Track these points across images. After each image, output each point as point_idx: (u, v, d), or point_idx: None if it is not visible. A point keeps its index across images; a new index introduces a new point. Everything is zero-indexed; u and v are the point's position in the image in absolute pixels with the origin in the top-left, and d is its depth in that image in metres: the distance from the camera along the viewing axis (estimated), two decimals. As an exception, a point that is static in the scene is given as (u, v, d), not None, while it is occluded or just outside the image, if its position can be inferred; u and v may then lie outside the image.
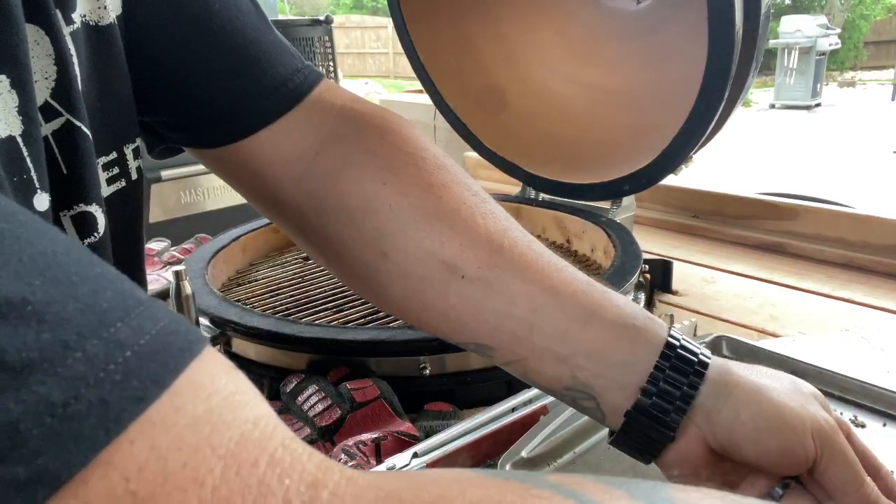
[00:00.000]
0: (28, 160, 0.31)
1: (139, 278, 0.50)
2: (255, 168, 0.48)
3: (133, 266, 0.48)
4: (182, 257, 0.97)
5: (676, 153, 0.84)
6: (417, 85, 1.25)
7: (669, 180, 0.91)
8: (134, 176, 0.45)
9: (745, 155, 6.10)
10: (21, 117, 0.31)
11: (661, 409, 0.38)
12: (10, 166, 0.30)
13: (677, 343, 0.40)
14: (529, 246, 0.43)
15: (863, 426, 0.50)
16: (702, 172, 0.98)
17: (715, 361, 0.40)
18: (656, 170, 0.88)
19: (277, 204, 0.50)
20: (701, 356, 0.39)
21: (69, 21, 0.38)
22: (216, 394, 0.20)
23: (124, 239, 0.45)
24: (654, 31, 1.00)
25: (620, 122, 1.02)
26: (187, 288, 0.65)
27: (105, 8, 0.41)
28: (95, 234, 0.40)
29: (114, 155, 0.43)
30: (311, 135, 0.48)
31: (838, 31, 9.80)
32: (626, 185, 0.92)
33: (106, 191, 0.42)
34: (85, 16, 0.40)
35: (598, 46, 1.07)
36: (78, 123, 0.37)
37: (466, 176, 0.47)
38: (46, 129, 0.36)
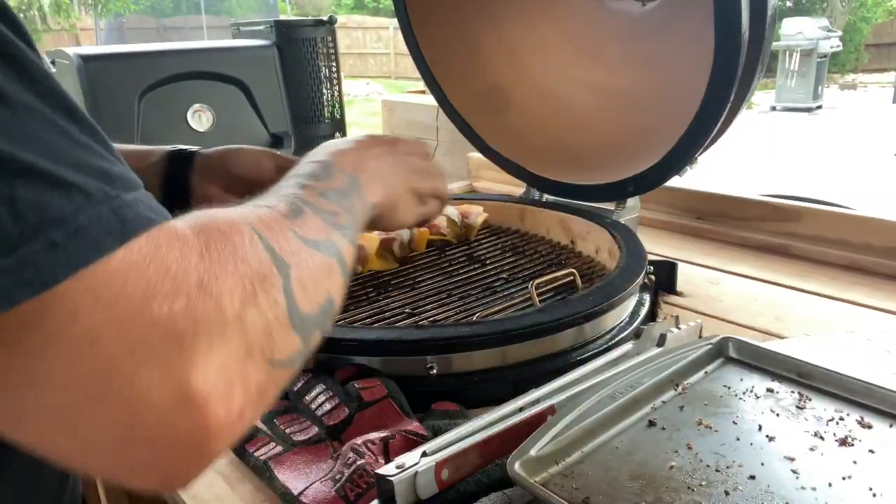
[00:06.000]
0: None
1: None
2: None
3: None
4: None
5: (681, 155, 0.84)
6: (419, 85, 1.25)
7: (674, 182, 0.91)
8: None
9: (748, 157, 6.10)
10: None
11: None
12: None
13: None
14: None
15: (869, 427, 0.50)
16: (705, 174, 0.98)
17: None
18: (661, 171, 0.88)
19: None
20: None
21: None
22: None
23: None
24: (659, 32, 1.01)
25: (625, 123, 1.02)
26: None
27: None
28: None
29: None
30: None
31: (839, 33, 9.80)
32: (630, 186, 0.93)
33: None
34: None
35: (602, 48, 1.07)
36: None
37: None
38: None
